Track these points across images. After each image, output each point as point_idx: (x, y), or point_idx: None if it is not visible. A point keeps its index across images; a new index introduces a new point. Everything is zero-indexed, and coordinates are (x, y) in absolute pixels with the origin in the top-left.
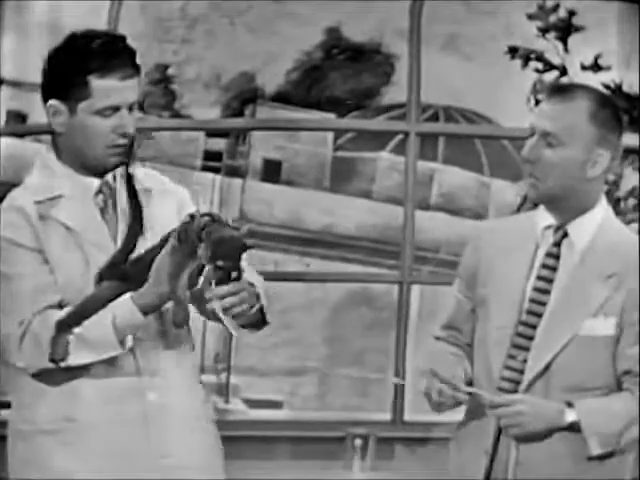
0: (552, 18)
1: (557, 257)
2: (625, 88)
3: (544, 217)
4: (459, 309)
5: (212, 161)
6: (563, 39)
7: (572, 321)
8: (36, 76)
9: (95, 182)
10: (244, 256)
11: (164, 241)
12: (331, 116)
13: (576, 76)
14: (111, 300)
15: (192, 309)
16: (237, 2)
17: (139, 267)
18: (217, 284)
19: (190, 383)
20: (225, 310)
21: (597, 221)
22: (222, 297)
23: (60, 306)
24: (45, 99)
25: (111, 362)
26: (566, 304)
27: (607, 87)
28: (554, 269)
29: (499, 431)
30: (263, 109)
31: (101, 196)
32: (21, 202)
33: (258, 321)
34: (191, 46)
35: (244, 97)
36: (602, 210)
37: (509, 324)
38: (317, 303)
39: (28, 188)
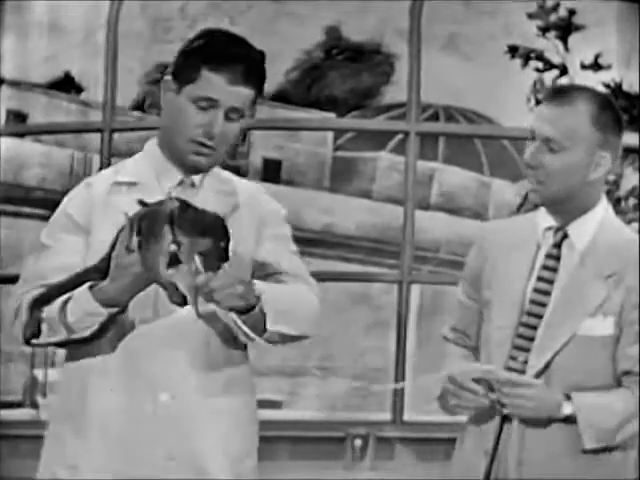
0: (552, 17)
1: (557, 258)
2: (625, 87)
3: (545, 218)
4: (465, 312)
5: None
6: (563, 38)
7: (571, 321)
8: (36, 76)
9: (178, 175)
10: (232, 246)
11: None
12: (331, 116)
13: (576, 75)
14: (76, 284)
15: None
16: (237, 2)
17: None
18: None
19: (215, 385)
20: (210, 299)
21: (597, 221)
22: (205, 285)
23: None
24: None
25: (125, 357)
26: (565, 304)
27: (607, 86)
28: (554, 270)
29: (500, 431)
30: (263, 108)
31: (179, 189)
32: (98, 180)
33: (257, 326)
34: None
35: None
36: (602, 209)
37: (510, 325)
38: None
39: (116, 170)
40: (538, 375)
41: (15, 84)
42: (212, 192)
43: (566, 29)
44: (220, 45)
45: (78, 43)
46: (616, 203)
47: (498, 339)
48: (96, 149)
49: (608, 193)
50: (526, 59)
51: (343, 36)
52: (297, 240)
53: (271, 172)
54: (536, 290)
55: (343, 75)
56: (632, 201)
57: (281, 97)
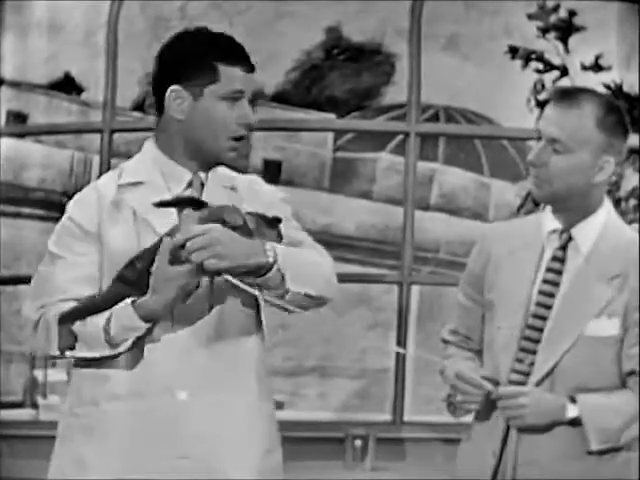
0: (552, 18)
1: (562, 261)
2: (625, 88)
3: (550, 221)
4: (467, 315)
5: None
6: (563, 39)
7: (577, 322)
8: (36, 76)
9: (188, 175)
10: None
11: (160, 243)
12: (331, 116)
13: (576, 76)
14: (114, 301)
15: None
16: (236, 2)
17: (136, 270)
18: None
19: (234, 384)
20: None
21: (601, 223)
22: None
23: None
24: (161, 87)
25: (143, 355)
26: (571, 306)
27: (607, 87)
28: (560, 272)
29: (507, 431)
30: (263, 109)
31: (190, 190)
32: (103, 182)
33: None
34: None
35: None
36: (605, 211)
37: (516, 327)
38: None
39: (118, 173)
40: (544, 377)
41: (15, 85)
42: (217, 188)
43: (566, 30)
44: (222, 39)
45: (78, 43)
46: (616, 204)
47: (503, 341)
48: (96, 150)
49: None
50: (526, 60)
51: (343, 36)
52: None
53: (271, 173)
54: (541, 292)
55: (343, 75)
56: (632, 202)
57: (281, 98)
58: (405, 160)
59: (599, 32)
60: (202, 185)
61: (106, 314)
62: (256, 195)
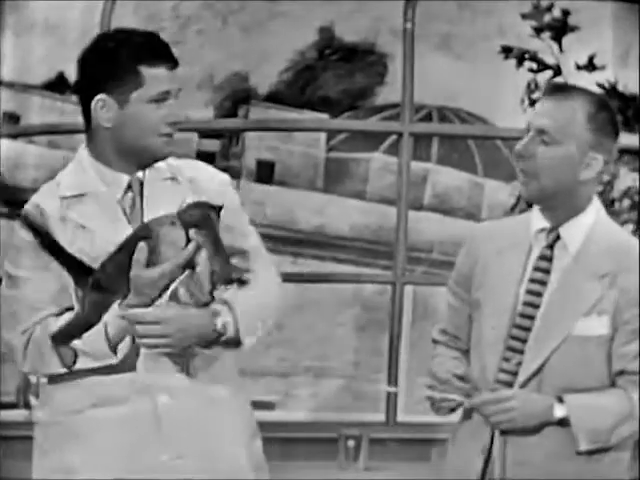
0: (546, 18)
1: (550, 259)
2: (619, 88)
3: (537, 220)
4: (455, 314)
5: (205, 162)
6: (557, 39)
7: (565, 321)
8: (30, 76)
9: (126, 178)
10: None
11: (130, 243)
12: (324, 116)
13: (570, 76)
14: (98, 311)
15: None
16: (229, 2)
17: (108, 274)
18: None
19: (212, 386)
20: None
21: (589, 222)
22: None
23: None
24: (86, 96)
25: (123, 361)
26: (559, 305)
27: (601, 87)
28: (547, 272)
29: (493, 431)
30: (256, 109)
31: (130, 193)
32: (43, 200)
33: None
34: (183, 46)
35: (237, 97)
36: (594, 211)
37: (503, 327)
38: (309, 304)
39: (56, 184)
40: (532, 376)
41: (10, 85)
42: (157, 183)
43: (560, 30)
44: (140, 40)
45: (72, 43)
46: (610, 204)
47: (490, 341)
48: None
49: (602, 194)
50: (520, 60)
51: (336, 36)
52: (290, 241)
53: (264, 173)
54: (529, 292)
55: (337, 76)
56: (626, 202)
57: (274, 98)
58: (398, 160)
59: (593, 31)
60: (141, 184)
61: (100, 325)
62: (203, 183)
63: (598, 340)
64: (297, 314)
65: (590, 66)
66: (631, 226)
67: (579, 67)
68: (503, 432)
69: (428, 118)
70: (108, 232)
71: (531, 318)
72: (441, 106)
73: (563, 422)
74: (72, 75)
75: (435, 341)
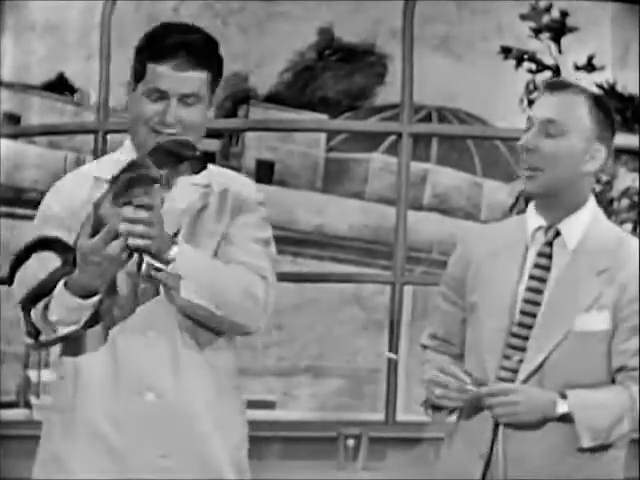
0: (545, 19)
1: (550, 256)
2: (618, 88)
3: (534, 219)
4: (447, 319)
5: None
6: (556, 39)
7: (566, 317)
8: (30, 77)
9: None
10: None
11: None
12: (324, 117)
13: (569, 76)
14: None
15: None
16: (230, 2)
17: (64, 246)
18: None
19: (203, 384)
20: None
21: (587, 219)
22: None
23: None
24: None
25: (111, 357)
26: (560, 301)
27: (600, 87)
28: (547, 269)
29: (495, 430)
30: (256, 110)
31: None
32: (79, 175)
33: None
34: None
35: (237, 98)
36: (591, 208)
37: (502, 326)
38: (309, 303)
39: (97, 164)
40: (533, 373)
41: (9, 86)
42: (185, 184)
43: (559, 30)
44: (159, 37)
45: (71, 44)
46: (609, 204)
47: (490, 341)
48: (89, 150)
49: (601, 193)
50: (519, 60)
51: (336, 37)
52: (289, 241)
53: (264, 173)
54: (529, 289)
55: (336, 76)
56: (625, 202)
57: (274, 98)
58: (398, 160)
59: (592, 32)
60: (168, 181)
61: (46, 299)
62: (231, 194)
63: (599, 336)
64: (296, 314)
65: (589, 66)
66: (630, 225)
67: (578, 68)
68: (505, 427)
69: (427, 118)
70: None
71: (532, 315)
72: (440, 106)
73: (564, 418)
74: (72, 75)
75: (424, 346)
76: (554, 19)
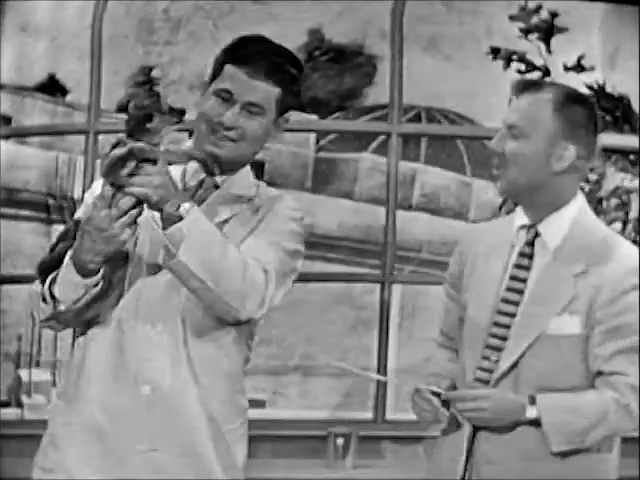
0: (534, 19)
1: (530, 257)
2: (608, 89)
3: (519, 217)
4: (448, 315)
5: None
6: (546, 40)
7: (539, 319)
8: (21, 78)
9: (200, 175)
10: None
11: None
12: (313, 117)
13: (559, 77)
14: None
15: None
16: (220, 4)
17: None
18: None
19: (201, 382)
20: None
21: (570, 218)
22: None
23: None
24: None
25: (117, 348)
26: (535, 302)
27: (590, 88)
28: (528, 269)
29: (474, 433)
30: None
31: (200, 191)
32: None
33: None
34: (175, 48)
35: None
36: (576, 207)
37: (483, 326)
38: (299, 303)
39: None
40: (505, 374)
41: (1, 87)
42: (230, 193)
43: (548, 31)
44: (246, 43)
45: (64, 46)
46: (598, 203)
47: (471, 339)
48: (81, 151)
49: (590, 193)
50: (508, 61)
51: (325, 38)
52: None
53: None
54: (509, 289)
55: (325, 77)
56: (614, 201)
57: None
58: (387, 160)
59: (582, 33)
60: (216, 187)
61: (53, 274)
62: (270, 210)
63: (571, 339)
64: (286, 313)
65: (579, 67)
66: (619, 225)
67: (567, 68)
68: (477, 429)
69: (417, 119)
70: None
71: (511, 316)
72: (429, 107)
73: (536, 423)
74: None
75: (435, 340)
76: (543, 19)
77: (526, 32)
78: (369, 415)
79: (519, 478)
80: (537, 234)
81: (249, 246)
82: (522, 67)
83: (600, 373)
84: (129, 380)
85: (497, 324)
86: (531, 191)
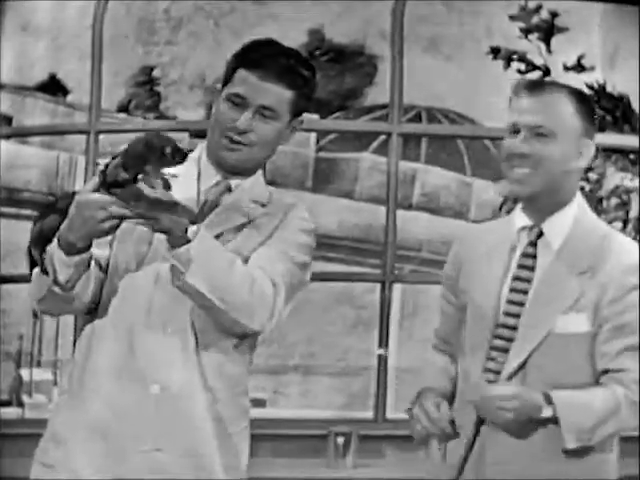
0: (534, 19)
1: (534, 256)
2: (608, 88)
3: (520, 218)
4: (445, 318)
5: None
6: (546, 40)
7: (547, 319)
8: (22, 78)
9: (216, 177)
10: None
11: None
12: (314, 117)
13: (559, 77)
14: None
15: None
16: (220, 4)
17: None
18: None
19: (207, 385)
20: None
21: (572, 217)
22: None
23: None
24: None
25: (127, 348)
26: (541, 302)
27: (590, 87)
28: (531, 269)
29: (476, 432)
30: None
31: (214, 190)
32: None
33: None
34: (175, 48)
35: None
36: (577, 205)
37: (487, 327)
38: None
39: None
40: (514, 373)
41: (1, 86)
42: (244, 198)
43: (548, 31)
44: (257, 47)
45: (64, 46)
46: (598, 203)
47: (475, 342)
48: (82, 151)
49: (590, 192)
50: (508, 60)
51: (326, 38)
52: None
53: None
54: (513, 290)
55: (326, 77)
56: (614, 201)
57: None
58: (387, 160)
59: (582, 33)
60: (229, 190)
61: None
62: (284, 218)
63: (579, 338)
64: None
65: (579, 67)
66: (619, 224)
67: (567, 68)
68: (478, 429)
69: (417, 118)
70: None
71: (516, 316)
72: (430, 107)
73: (546, 421)
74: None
75: (434, 346)
76: (543, 19)
77: (526, 32)
78: (369, 414)
79: (524, 479)
80: (540, 234)
81: (260, 256)
82: (522, 67)
83: (607, 371)
84: (137, 379)
85: (503, 325)
86: (549, 191)
